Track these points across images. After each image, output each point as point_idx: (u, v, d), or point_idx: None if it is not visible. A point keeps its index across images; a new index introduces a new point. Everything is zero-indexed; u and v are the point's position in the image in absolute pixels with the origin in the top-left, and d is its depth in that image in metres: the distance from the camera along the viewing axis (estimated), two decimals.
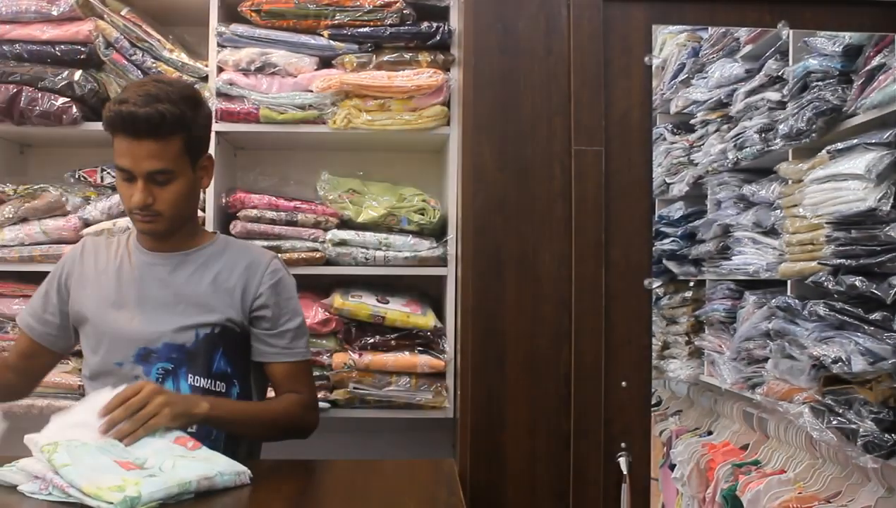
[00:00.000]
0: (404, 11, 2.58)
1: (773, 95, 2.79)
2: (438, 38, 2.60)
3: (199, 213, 2.48)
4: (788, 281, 2.70)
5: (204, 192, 2.52)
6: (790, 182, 2.69)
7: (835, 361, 2.26)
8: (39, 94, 2.53)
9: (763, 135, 2.82)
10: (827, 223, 2.45)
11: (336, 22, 2.60)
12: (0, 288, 2.67)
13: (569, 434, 1.98)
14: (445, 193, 2.68)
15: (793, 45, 2.66)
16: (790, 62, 2.67)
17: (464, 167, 2.05)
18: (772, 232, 2.83)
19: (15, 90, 2.53)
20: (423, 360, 2.56)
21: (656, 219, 3.47)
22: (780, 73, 2.75)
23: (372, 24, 2.59)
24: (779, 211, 2.75)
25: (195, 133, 1.87)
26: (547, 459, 1.98)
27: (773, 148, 2.76)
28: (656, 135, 3.48)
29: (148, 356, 1.87)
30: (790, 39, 2.66)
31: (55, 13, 2.56)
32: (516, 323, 1.99)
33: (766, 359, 2.75)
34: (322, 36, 2.62)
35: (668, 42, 3.48)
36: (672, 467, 3.24)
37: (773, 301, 2.70)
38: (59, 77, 2.53)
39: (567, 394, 1.98)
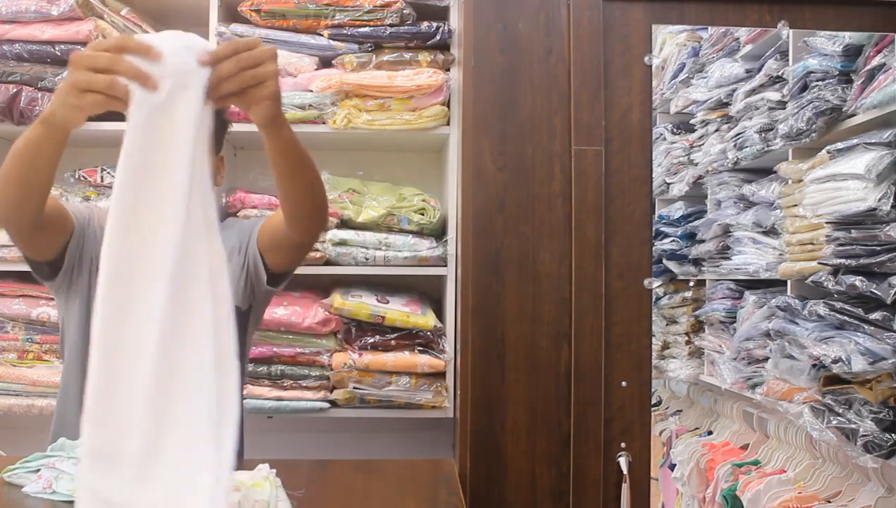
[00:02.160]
0: (404, 11, 2.59)
1: (773, 95, 2.78)
2: (438, 37, 2.61)
3: None
4: (788, 281, 2.70)
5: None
6: (790, 182, 2.69)
7: (835, 361, 2.26)
8: (39, 94, 2.53)
9: (763, 134, 2.82)
10: (827, 223, 2.44)
11: (336, 22, 2.60)
12: (1, 288, 2.67)
13: (569, 434, 1.98)
14: (445, 193, 2.68)
15: (793, 44, 2.65)
16: (790, 62, 2.67)
17: (464, 167, 2.05)
18: (772, 231, 2.83)
19: (15, 90, 2.53)
20: (423, 360, 2.56)
21: (656, 218, 3.47)
22: (780, 73, 2.75)
23: (372, 23, 2.60)
24: (779, 210, 2.75)
25: (222, 117, 1.89)
26: (547, 459, 1.98)
27: (773, 148, 2.76)
28: (656, 134, 3.48)
29: None
30: (790, 39, 2.66)
31: (55, 13, 2.56)
32: (516, 322, 1.99)
33: (766, 359, 2.74)
34: (322, 36, 2.63)
35: (668, 42, 3.47)
36: (672, 467, 3.23)
37: (773, 300, 2.69)
38: (59, 77, 2.54)
39: (567, 394, 1.98)
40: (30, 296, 2.65)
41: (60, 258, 1.85)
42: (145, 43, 1.19)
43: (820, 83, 2.50)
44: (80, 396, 1.76)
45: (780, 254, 2.74)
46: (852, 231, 2.33)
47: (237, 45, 1.30)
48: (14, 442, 2.16)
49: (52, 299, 2.59)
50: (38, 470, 1.52)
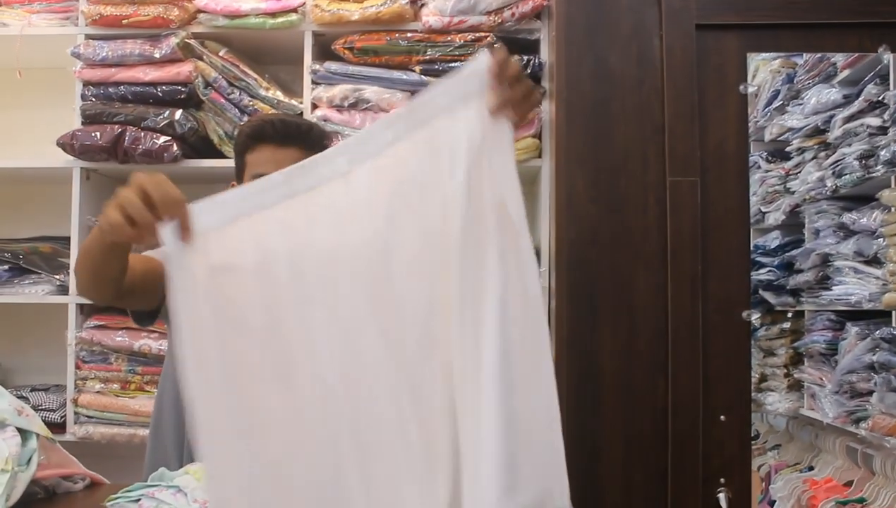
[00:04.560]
0: (495, 45, 2.60)
1: (873, 121, 2.72)
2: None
3: None
4: (893, 312, 2.62)
5: None
6: (893, 209, 2.62)
7: None
8: (142, 134, 2.62)
9: (863, 161, 2.75)
10: None
11: (428, 57, 2.63)
12: (105, 321, 2.76)
13: (666, 469, 1.94)
14: (538, 225, 2.68)
15: (893, 69, 2.59)
16: (891, 86, 2.60)
17: (556, 199, 2.05)
18: (874, 261, 2.75)
19: (119, 130, 2.63)
20: None
21: (752, 248, 3.40)
22: (880, 98, 2.68)
23: (463, 58, 2.62)
24: (881, 239, 2.68)
25: None
26: (644, 493, 1.95)
27: (874, 175, 2.69)
28: (750, 163, 3.42)
29: None
30: (891, 63, 2.59)
31: (157, 55, 2.65)
32: (612, 355, 1.97)
33: (870, 393, 2.66)
34: (414, 71, 2.66)
35: (762, 69, 3.42)
36: (771, 503, 3.15)
37: (878, 332, 2.62)
38: (161, 116, 2.62)
39: (664, 428, 1.95)
40: (132, 329, 2.72)
41: (160, 307, 1.81)
42: (188, 220, 1.09)
43: None
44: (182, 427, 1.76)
45: (884, 284, 2.66)
46: None
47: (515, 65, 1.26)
48: (117, 471, 2.22)
49: (153, 332, 2.67)
50: (139, 500, 1.55)
